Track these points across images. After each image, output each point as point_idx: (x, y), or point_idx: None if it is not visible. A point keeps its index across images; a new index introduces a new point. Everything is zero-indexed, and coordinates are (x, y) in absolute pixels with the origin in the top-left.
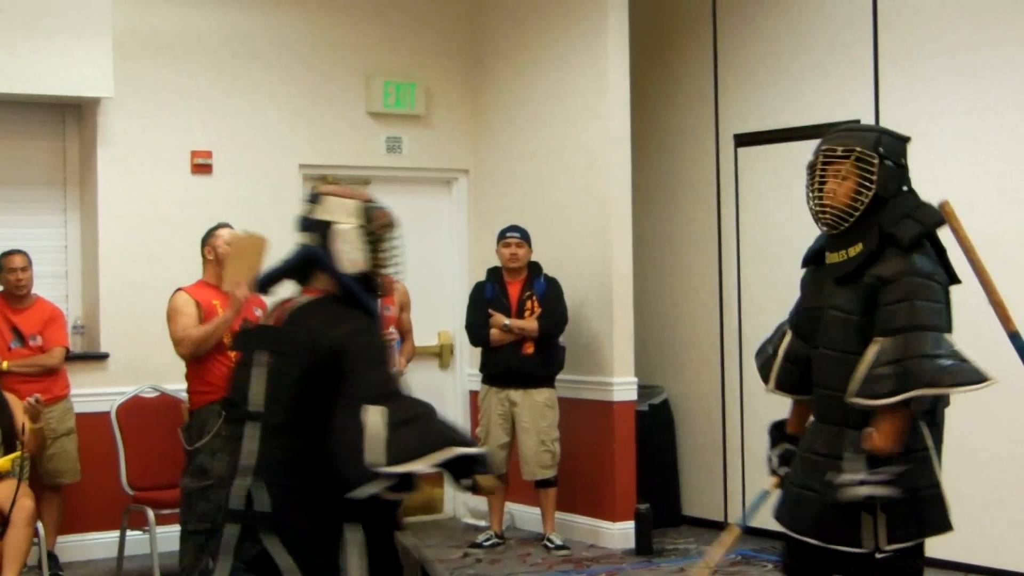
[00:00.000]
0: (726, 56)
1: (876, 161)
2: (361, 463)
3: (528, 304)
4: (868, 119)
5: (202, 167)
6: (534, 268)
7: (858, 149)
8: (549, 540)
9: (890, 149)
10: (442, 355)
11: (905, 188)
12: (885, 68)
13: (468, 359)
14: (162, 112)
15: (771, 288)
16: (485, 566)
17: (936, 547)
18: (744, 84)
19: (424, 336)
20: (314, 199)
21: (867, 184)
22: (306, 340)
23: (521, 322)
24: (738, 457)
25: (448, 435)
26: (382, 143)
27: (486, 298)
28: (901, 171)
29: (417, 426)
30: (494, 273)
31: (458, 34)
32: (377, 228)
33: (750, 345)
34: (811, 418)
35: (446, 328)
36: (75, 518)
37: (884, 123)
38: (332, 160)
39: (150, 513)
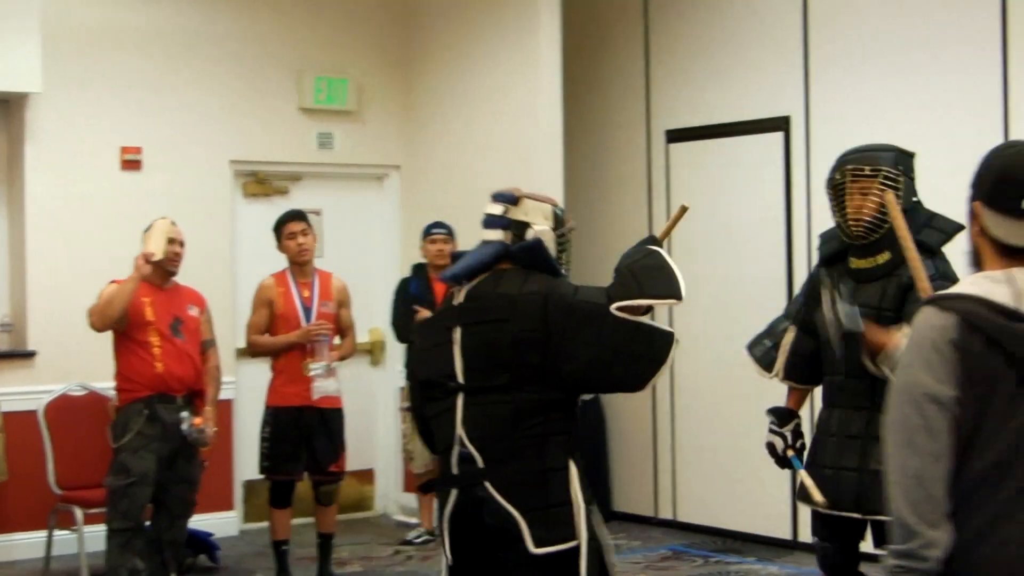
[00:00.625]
0: (657, 51)
1: (901, 178)
2: (662, 338)
3: None
4: (799, 115)
5: (132, 163)
6: None
7: (884, 168)
8: None
9: (905, 165)
10: (373, 352)
11: (915, 199)
12: (815, 64)
13: (400, 356)
14: (91, 107)
15: (701, 284)
16: (417, 563)
17: None
18: (675, 79)
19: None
20: (512, 201)
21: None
22: (507, 303)
23: None
24: (668, 452)
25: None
26: (314, 139)
27: (411, 294)
28: (912, 184)
29: (642, 272)
30: (419, 270)
31: (390, 30)
32: (566, 231)
33: (680, 341)
34: (824, 405)
35: (377, 325)
36: (1, 518)
37: (814, 119)
38: (263, 156)
39: (78, 512)
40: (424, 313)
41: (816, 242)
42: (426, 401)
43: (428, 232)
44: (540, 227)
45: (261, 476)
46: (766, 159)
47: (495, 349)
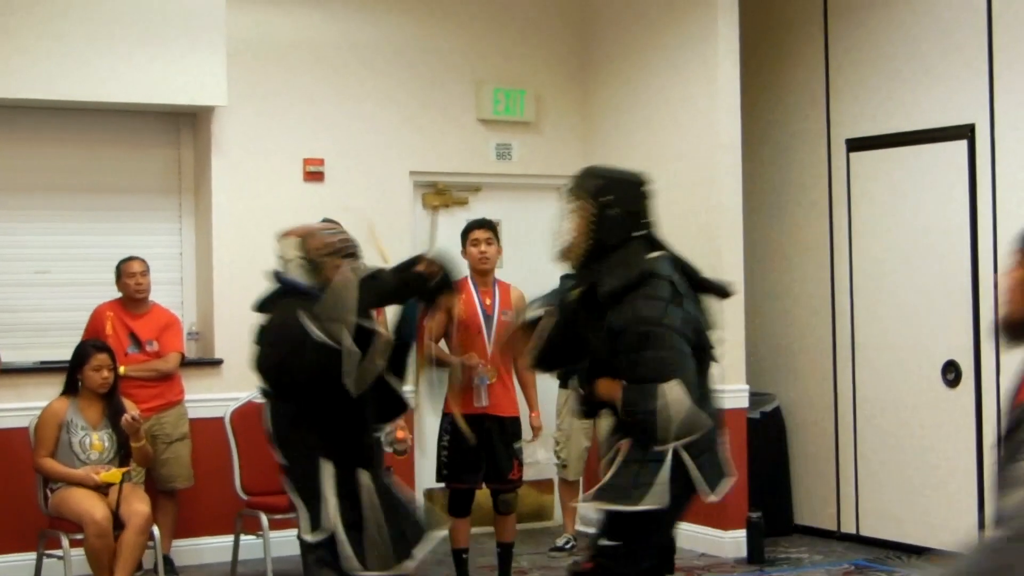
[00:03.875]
0: (837, 60)
1: (595, 210)
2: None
3: None
4: (983, 122)
5: (314, 174)
6: None
7: (580, 195)
8: None
9: (620, 195)
10: None
11: (641, 233)
12: (1000, 71)
13: None
14: (275, 120)
15: (885, 295)
16: None
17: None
18: (856, 88)
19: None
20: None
21: (591, 230)
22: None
23: None
24: (851, 465)
25: None
26: (492, 150)
27: None
28: (630, 218)
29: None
30: (569, 280)
31: (568, 41)
32: (314, 254)
33: (863, 352)
34: None
35: None
36: (189, 522)
37: (999, 126)
38: (442, 167)
39: (263, 518)
40: None
41: (1003, 251)
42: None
43: None
44: (288, 257)
45: (440, 484)
46: (950, 168)
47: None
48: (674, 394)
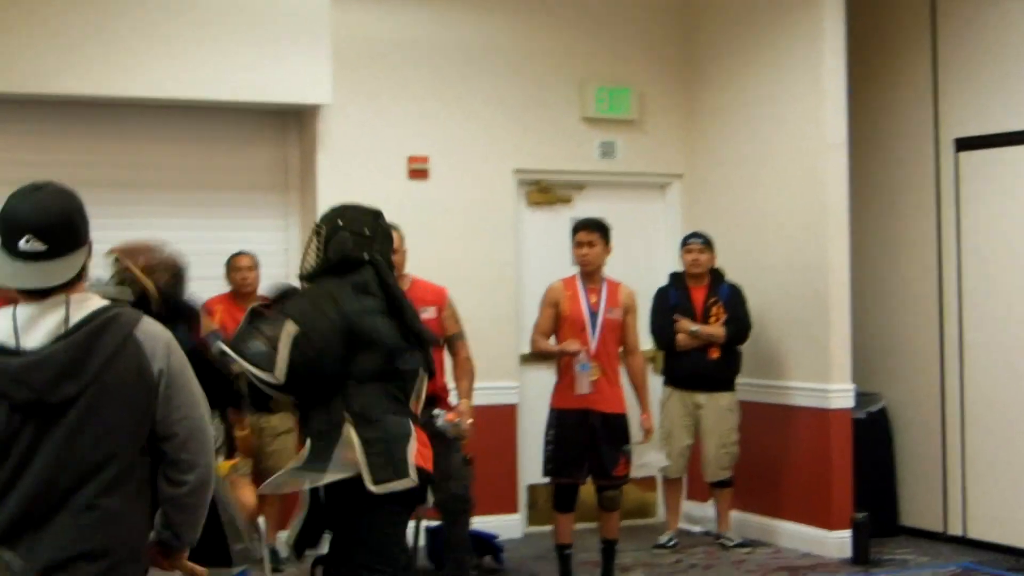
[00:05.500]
0: (946, 58)
1: (323, 229)
2: None
3: (713, 310)
4: None
5: (419, 172)
6: (716, 274)
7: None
8: (727, 538)
9: (348, 219)
10: (656, 360)
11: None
12: None
13: None
14: (379, 118)
15: (994, 296)
16: (700, 571)
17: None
18: (964, 87)
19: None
20: None
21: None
22: None
23: (709, 328)
24: (958, 466)
25: None
26: (596, 148)
27: (670, 303)
28: (346, 237)
29: None
30: (677, 279)
31: (672, 39)
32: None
33: (971, 353)
34: None
35: None
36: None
37: None
38: (546, 165)
39: None
40: (686, 322)
41: None
42: None
43: (685, 242)
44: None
45: (545, 480)
46: None
47: None
48: None
